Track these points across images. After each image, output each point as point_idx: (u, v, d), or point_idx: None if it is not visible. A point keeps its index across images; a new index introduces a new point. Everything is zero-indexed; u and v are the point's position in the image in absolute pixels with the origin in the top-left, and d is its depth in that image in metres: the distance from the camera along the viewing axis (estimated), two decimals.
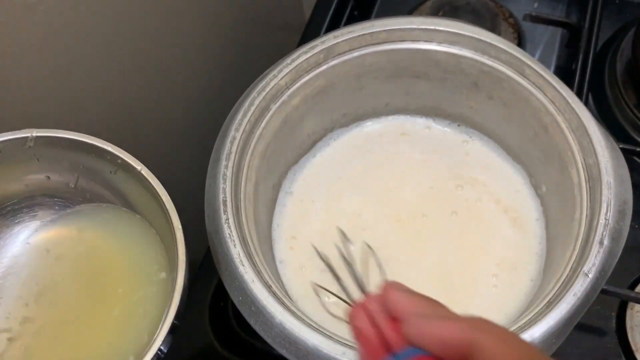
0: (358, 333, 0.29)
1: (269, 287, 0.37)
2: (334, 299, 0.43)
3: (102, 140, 0.35)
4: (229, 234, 0.38)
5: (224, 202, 0.39)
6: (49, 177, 0.38)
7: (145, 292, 0.36)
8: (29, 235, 0.39)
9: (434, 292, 0.43)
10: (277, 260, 0.47)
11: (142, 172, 0.35)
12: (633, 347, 0.45)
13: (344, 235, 0.42)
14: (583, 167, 0.39)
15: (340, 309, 0.43)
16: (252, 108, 0.42)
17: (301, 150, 0.51)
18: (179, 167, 0.53)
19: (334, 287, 0.35)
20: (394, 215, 0.48)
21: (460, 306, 0.43)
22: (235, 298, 0.37)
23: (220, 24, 0.57)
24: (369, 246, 0.43)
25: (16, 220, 0.40)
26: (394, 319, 0.26)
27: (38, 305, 0.37)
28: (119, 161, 0.36)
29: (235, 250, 0.37)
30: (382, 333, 0.26)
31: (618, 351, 0.46)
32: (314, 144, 0.51)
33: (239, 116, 0.42)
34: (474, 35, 0.44)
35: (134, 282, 0.37)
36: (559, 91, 0.41)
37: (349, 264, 0.35)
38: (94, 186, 0.38)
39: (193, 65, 0.54)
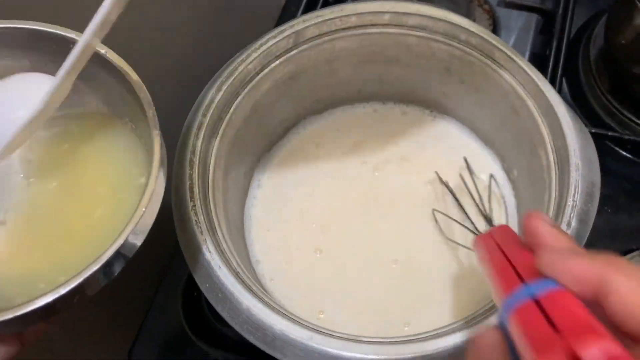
0: (489, 259, 0.29)
1: (236, 274, 0.36)
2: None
3: (62, 27, 0.31)
4: (196, 221, 0.37)
5: (191, 188, 0.38)
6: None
7: (128, 195, 0.33)
8: None
9: (405, 274, 0.44)
10: (250, 251, 0.46)
11: (107, 55, 0.31)
12: None
13: (468, 165, 0.46)
14: (552, 150, 0.39)
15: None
16: (220, 93, 0.41)
17: (273, 137, 0.50)
18: None
19: None
20: (369, 203, 0.48)
21: (430, 291, 0.43)
22: (202, 285, 0.36)
23: (194, 7, 0.56)
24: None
25: None
26: (525, 249, 0.27)
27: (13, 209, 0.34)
28: None
29: (202, 237, 0.37)
30: (512, 262, 0.26)
31: None
32: (286, 130, 0.51)
33: (207, 101, 0.41)
34: (444, 19, 0.44)
35: (116, 184, 0.34)
36: (528, 74, 0.41)
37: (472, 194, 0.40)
38: None
39: (164, 51, 0.53)
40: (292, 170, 0.50)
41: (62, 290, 0.27)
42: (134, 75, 0.32)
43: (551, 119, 0.40)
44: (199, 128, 0.40)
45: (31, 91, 0.30)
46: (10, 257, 0.33)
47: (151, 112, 0.31)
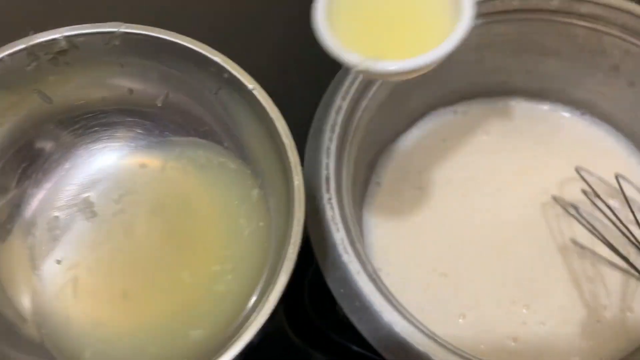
0: None
1: (374, 281, 0.32)
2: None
3: (207, 47, 0.27)
4: (332, 217, 0.33)
5: (327, 179, 0.34)
6: (131, 91, 0.30)
7: (233, 251, 0.30)
8: (103, 161, 0.33)
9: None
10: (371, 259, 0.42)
11: (255, 92, 0.27)
12: None
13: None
14: None
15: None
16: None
17: (400, 128, 0.46)
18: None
19: None
20: (495, 217, 0.42)
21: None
22: (336, 290, 0.32)
23: None
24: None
25: (90, 140, 0.32)
26: None
27: (108, 240, 0.31)
28: (225, 76, 0.27)
29: (339, 236, 0.33)
30: None
31: None
32: (414, 121, 0.46)
33: (347, 82, 0.37)
34: (624, 9, 0.38)
35: (221, 237, 0.31)
36: None
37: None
38: (187, 107, 0.31)
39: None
40: (415, 165, 0.45)
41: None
42: (281, 121, 0.28)
43: None
44: (338, 112, 0.36)
45: None
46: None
47: (291, 152, 0.28)
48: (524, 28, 0.40)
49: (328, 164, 0.35)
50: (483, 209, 0.43)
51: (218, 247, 0.31)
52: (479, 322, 0.38)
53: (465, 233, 0.42)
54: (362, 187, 0.44)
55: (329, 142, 0.35)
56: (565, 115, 0.45)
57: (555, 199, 0.41)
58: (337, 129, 0.36)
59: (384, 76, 0.27)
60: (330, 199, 0.34)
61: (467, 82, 0.45)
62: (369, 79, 0.37)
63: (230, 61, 0.27)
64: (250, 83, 0.27)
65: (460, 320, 0.38)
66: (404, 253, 0.41)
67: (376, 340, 0.31)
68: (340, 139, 0.36)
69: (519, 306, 0.39)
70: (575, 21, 0.39)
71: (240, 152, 0.32)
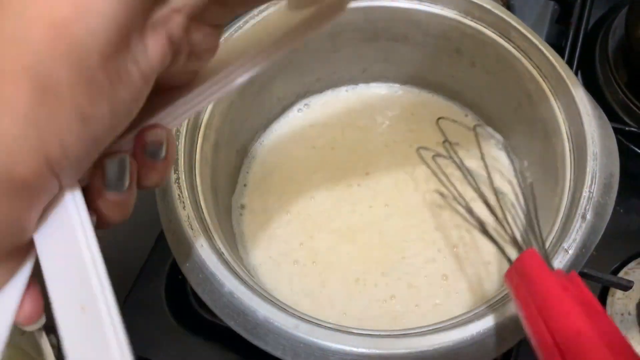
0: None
1: (219, 254, 0.33)
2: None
3: None
4: (179, 195, 0.34)
5: (176, 160, 0.35)
6: None
7: None
8: None
9: (402, 274, 0.41)
10: (237, 237, 0.44)
11: None
12: None
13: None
14: (568, 137, 0.36)
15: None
16: None
17: (270, 116, 0.47)
18: None
19: None
20: (366, 197, 0.45)
21: (434, 285, 0.41)
22: (182, 264, 0.33)
23: None
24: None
25: None
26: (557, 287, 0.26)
27: None
28: None
29: (184, 213, 0.34)
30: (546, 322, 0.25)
31: None
32: (284, 109, 0.48)
33: None
34: None
35: None
36: (545, 55, 0.38)
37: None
38: None
39: None
40: (287, 151, 0.47)
41: None
42: None
43: (568, 103, 0.37)
44: None
45: None
46: None
47: None
48: (370, 15, 0.42)
49: (177, 146, 0.36)
50: (351, 194, 0.45)
51: None
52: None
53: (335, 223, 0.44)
54: (234, 169, 0.45)
55: (180, 125, 0.37)
56: (423, 98, 0.48)
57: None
58: None
59: None
60: (177, 178, 0.35)
61: (329, 70, 0.47)
62: None
63: None
64: None
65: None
66: (268, 234, 0.43)
67: (218, 308, 0.32)
68: (193, 123, 0.38)
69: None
70: (415, 6, 0.42)
71: None
